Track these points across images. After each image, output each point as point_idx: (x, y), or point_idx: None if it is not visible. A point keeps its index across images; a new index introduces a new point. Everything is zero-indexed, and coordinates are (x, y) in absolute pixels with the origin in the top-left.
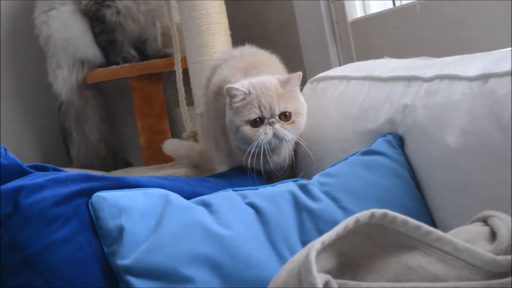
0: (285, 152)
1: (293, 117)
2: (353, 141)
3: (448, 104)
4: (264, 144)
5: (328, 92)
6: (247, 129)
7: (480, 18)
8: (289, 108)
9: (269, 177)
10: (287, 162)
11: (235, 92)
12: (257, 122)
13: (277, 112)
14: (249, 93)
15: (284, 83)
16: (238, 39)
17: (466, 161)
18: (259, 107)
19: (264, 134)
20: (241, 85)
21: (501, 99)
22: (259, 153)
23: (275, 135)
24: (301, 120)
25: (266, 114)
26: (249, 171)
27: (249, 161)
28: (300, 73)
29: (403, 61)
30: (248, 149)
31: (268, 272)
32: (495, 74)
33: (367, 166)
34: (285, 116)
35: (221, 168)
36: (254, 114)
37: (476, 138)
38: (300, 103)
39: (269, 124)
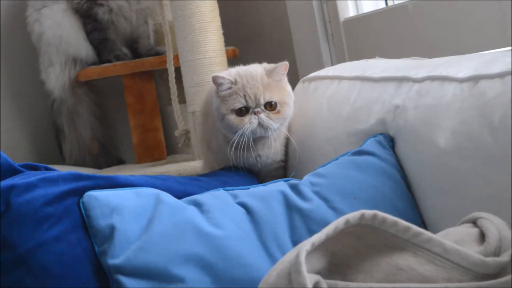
0: (274, 146)
1: (278, 107)
2: (344, 141)
3: (438, 105)
4: (248, 133)
5: (320, 92)
6: (233, 118)
7: (471, 19)
8: (274, 98)
9: (259, 175)
10: (277, 158)
11: (221, 81)
12: (242, 111)
13: (262, 101)
14: (235, 82)
15: (270, 73)
16: (230, 38)
17: (456, 162)
18: (244, 96)
19: (249, 123)
20: (227, 74)
21: (492, 100)
22: (244, 144)
23: (260, 124)
24: (287, 110)
25: (251, 104)
26: (232, 160)
27: (232, 153)
28: (286, 63)
29: (394, 61)
30: (233, 138)
31: (258, 272)
32: (485, 76)
33: (358, 166)
34: (270, 106)
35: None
36: (239, 104)
37: (466, 139)
38: (287, 93)
39: (254, 114)
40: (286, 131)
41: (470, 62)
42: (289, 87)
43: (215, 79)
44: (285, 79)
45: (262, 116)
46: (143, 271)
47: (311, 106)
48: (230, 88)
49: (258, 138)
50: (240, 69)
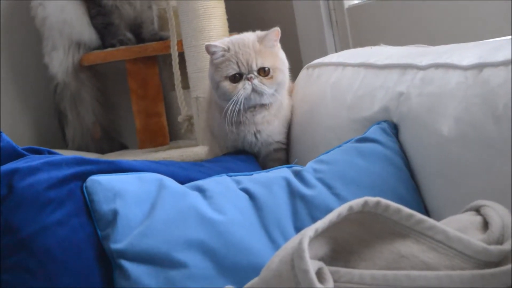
0: (273, 123)
1: (271, 72)
2: (348, 128)
3: (442, 93)
4: (242, 99)
5: (323, 78)
6: (227, 84)
7: (476, 7)
8: (266, 63)
9: (258, 156)
10: (277, 138)
11: (214, 49)
12: (236, 78)
13: (255, 67)
14: (228, 49)
15: (261, 39)
16: (234, 24)
17: (459, 150)
18: (237, 63)
19: (243, 89)
20: (221, 42)
21: (496, 88)
22: (241, 114)
23: (254, 90)
24: (280, 75)
25: (244, 70)
26: (229, 138)
27: (233, 129)
28: (277, 29)
29: (399, 48)
30: (227, 105)
31: (261, 258)
32: (490, 64)
33: (361, 153)
34: (263, 72)
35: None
36: (232, 70)
37: (470, 127)
38: (279, 59)
39: (248, 80)
40: (289, 111)
41: (474, 50)
42: (282, 54)
43: (208, 48)
44: (278, 45)
45: (256, 81)
46: (146, 256)
47: (315, 92)
48: (223, 55)
49: (258, 111)
50: (233, 37)
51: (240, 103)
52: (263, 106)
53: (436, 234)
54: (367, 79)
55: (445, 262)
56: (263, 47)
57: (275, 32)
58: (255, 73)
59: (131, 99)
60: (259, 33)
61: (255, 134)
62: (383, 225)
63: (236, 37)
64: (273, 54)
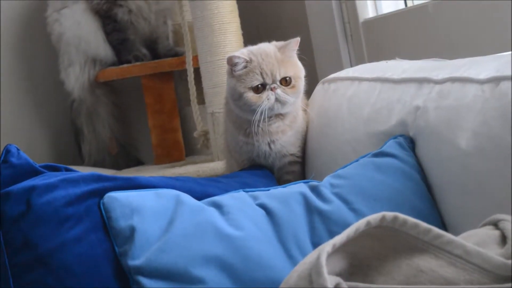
0: (288, 133)
1: (293, 82)
2: (364, 143)
3: (459, 106)
4: (267, 109)
5: (340, 93)
6: (251, 95)
7: (492, 20)
8: (289, 73)
9: (272, 168)
10: (291, 150)
11: (236, 61)
12: (259, 88)
13: (278, 77)
14: (250, 60)
15: (283, 49)
16: (249, 38)
17: (477, 163)
18: (261, 73)
19: (267, 99)
20: (241, 53)
21: None
22: (260, 124)
23: (277, 100)
24: (301, 84)
25: (268, 80)
26: (242, 149)
27: (246, 139)
28: (298, 38)
29: (414, 62)
30: (253, 118)
31: (278, 273)
32: (507, 77)
33: (378, 168)
34: (285, 81)
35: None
36: (256, 81)
37: (487, 140)
38: (298, 68)
39: (271, 90)
40: (304, 124)
41: (491, 63)
42: (299, 62)
43: (230, 59)
44: (295, 55)
45: (279, 91)
46: (163, 272)
47: (331, 107)
48: (245, 66)
49: (273, 121)
50: (252, 48)
51: (263, 113)
52: (278, 116)
53: (455, 249)
54: (383, 93)
55: (464, 277)
56: (284, 56)
57: (296, 42)
58: (278, 83)
59: (147, 114)
60: (277, 43)
61: (269, 144)
62: (401, 240)
63: (255, 48)
64: (293, 64)
